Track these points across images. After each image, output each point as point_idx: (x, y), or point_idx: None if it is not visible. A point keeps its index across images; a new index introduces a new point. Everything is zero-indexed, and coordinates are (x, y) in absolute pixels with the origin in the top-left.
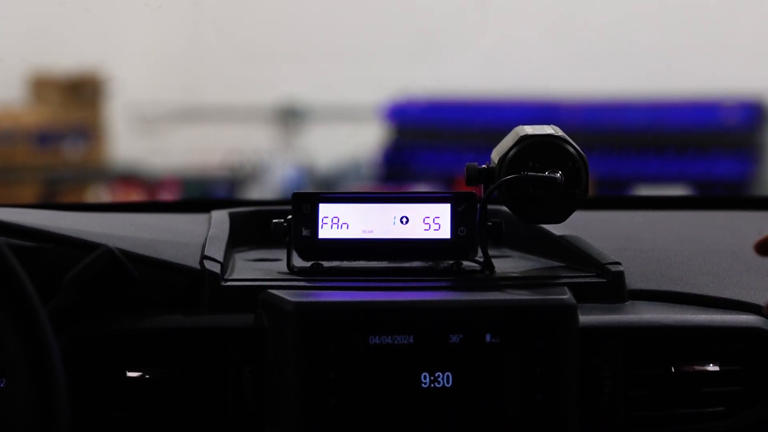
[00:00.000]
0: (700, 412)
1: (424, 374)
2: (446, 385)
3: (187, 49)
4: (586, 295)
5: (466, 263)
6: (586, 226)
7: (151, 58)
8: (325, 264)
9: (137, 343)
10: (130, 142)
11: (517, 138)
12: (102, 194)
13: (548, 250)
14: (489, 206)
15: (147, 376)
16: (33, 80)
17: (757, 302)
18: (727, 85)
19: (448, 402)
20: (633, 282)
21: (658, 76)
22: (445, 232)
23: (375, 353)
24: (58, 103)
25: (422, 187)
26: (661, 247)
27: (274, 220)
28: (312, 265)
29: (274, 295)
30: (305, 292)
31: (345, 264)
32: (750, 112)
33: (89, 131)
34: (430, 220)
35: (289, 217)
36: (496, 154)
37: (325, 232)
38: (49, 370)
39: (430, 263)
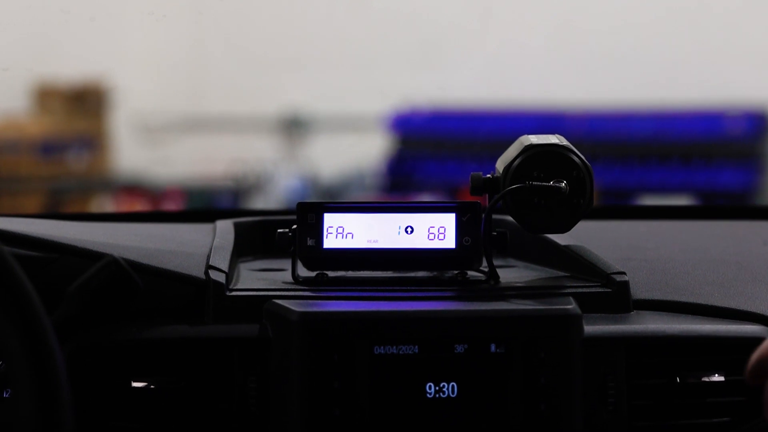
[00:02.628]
0: (705, 423)
1: (429, 384)
2: (451, 395)
3: (191, 58)
4: (591, 304)
5: (471, 273)
6: (591, 236)
7: (155, 68)
8: (330, 274)
9: (142, 353)
10: (134, 152)
11: (521, 147)
12: (106, 204)
13: (553, 259)
14: (494, 216)
15: (152, 386)
16: (37, 90)
17: (762, 312)
18: (731, 95)
19: (453, 412)
20: (638, 292)
21: (662, 86)
22: (449, 242)
23: (380, 363)
24: (63, 112)
25: (426, 197)
26: (666, 257)
27: (278, 230)
28: (317, 275)
29: (279, 305)
30: (310, 302)
31: (350, 274)
32: (754, 122)
33: (93, 141)
34: (434, 230)
35: (294, 227)
36: (500, 164)
37: (329, 242)
38: (54, 379)
39: (435, 273)
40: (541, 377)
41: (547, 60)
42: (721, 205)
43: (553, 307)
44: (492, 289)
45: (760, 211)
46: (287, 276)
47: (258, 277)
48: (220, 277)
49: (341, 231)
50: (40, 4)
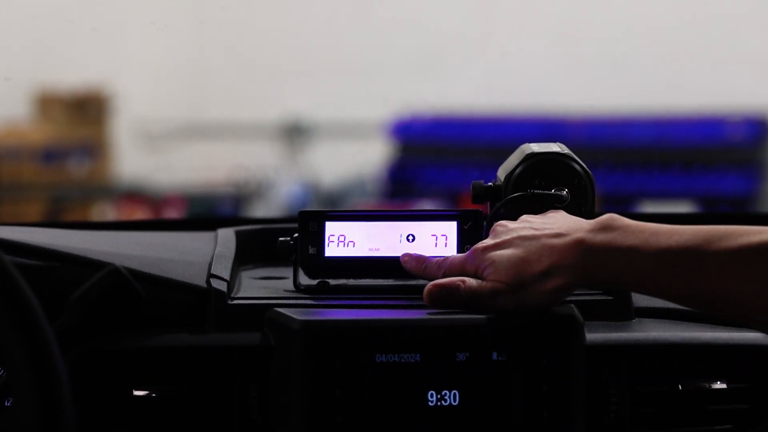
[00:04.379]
0: (707, 430)
1: (430, 392)
2: (453, 403)
3: (192, 65)
4: (593, 312)
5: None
6: None
7: (156, 75)
8: (332, 282)
9: (144, 362)
10: (135, 159)
11: (523, 156)
12: (108, 211)
13: None
14: None
15: (153, 395)
16: (38, 97)
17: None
18: (731, 101)
19: (454, 420)
20: (639, 299)
21: (663, 92)
22: (451, 250)
23: (381, 371)
24: (64, 120)
25: (427, 204)
26: None
27: (280, 239)
28: (318, 283)
29: (281, 314)
30: (311, 310)
31: (351, 282)
32: (755, 128)
33: (95, 148)
34: (436, 238)
35: (296, 235)
36: (502, 172)
37: (331, 250)
38: (56, 388)
39: None
40: (543, 385)
41: (548, 66)
42: (723, 212)
43: (555, 314)
44: None
45: (761, 218)
46: (289, 284)
47: (259, 286)
48: (222, 286)
49: (343, 239)
50: (42, 13)
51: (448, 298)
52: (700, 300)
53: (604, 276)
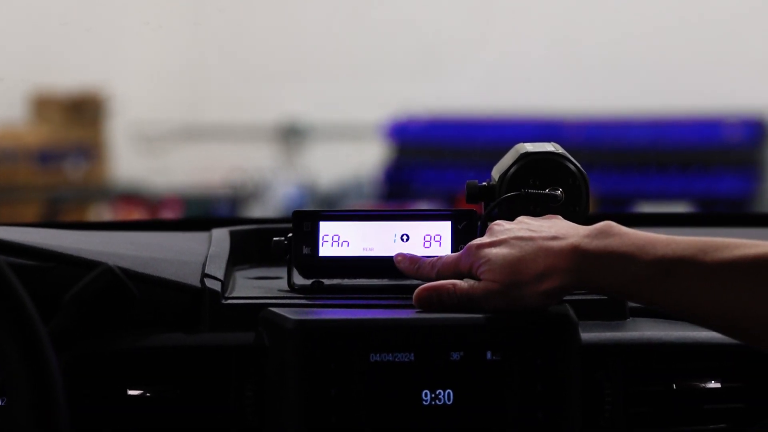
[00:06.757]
0: (702, 429)
1: (425, 391)
2: (447, 402)
3: (189, 67)
4: (588, 312)
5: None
6: None
7: (153, 77)
8: (326, 282)
9: (138, 362)
10: (131, 161)
11: (517, 155)
12: (104, 213)
13: None
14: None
15: (148, 395)
16: (34, 99)
17: None
18: (729, 103)
19: (449, 419)
20: None
21: (660, 94)
22: (445, 250)
23: (376, 371)
24: (60, 122)
25: (423, 205)
26: None
27: (274, 238)
28: (312, 283)
29: (275, 313)
30: (306, 310)
31: (345, 282)
32: (752, 130)
33: (91, 150)
34: (430, 238)
35: (290, 235)
36: (496, 172)
37: (325, 250)
38: (50, 388)
39: None
40: (538, 384)
41: (545, 68)
42: (720, 213)
43: (550, 314)
44: None
45: (758, 219)
46: (283, 284)
47: (254, 285)
48: (216, 285)
49: (337, 239)
50: (39, 14)
51: (438, 301)
52: (692, 311)
53: (599, 281)
